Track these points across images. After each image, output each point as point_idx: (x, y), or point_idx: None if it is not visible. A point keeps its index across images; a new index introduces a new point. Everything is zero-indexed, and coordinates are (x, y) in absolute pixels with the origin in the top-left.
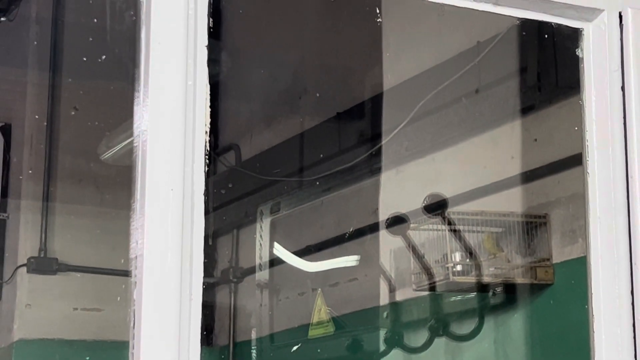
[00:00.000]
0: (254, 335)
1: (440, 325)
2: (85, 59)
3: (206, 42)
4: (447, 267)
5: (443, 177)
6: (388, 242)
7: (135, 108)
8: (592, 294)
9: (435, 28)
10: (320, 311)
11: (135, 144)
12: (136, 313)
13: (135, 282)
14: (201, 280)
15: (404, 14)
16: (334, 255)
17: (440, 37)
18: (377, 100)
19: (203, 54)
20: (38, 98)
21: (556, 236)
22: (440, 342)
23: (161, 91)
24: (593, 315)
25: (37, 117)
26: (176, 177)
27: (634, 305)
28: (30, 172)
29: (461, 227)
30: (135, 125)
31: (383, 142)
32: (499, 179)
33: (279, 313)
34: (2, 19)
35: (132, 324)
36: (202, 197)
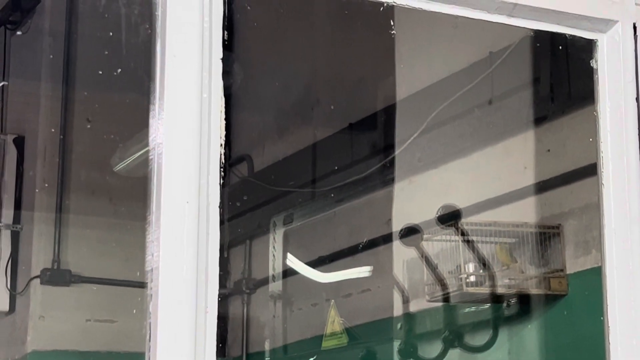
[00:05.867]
0: (267, 347)
1: (454, 337)
2: (100, 72)
3: (221, 55)
4: (461, 278)
5: (456, 187)
6: (401, 253)
7: (151, 121)
8: (607, 305)
9: (448, 39)
10: (334, 322)
11: (150, 157)
12: (152, 325)
13: (151, 295)
14: (216, 292)
15: (417, 25)
16: (347, 266)
17: (453, 48)
18: (389, 111)
19: (218, 67)
20: (51, 110)
21: (570, 247)
22: (454, 353)
23: (176, 104)
24: (609, 326)
25: (52, 130)
26: (191, 189)
27: None
28: (43, 184)
29: (474, 238)
30: (150, 138)
31: (396, 152)
32: (512, 190)
33: (292, 324)
34: (18, 32)
35: (147, 336)
36: (218, 210)
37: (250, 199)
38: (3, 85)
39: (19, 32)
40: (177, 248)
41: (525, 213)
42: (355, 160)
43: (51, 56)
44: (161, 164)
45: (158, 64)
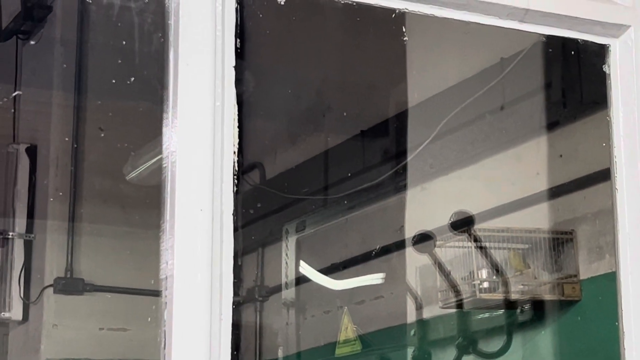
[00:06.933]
0: (280, 354)
1: (468, 343)
2: (113, 81)
3: (233, 63)
4: (474, 284)
5: (468, 193)
6: (414, 260)
7: (164, 129)
8: (622, 310)
9: (460, 45)
10: (347, 329)
11: (164, 165)
12: (167, 333)
13: (166, 303)
14: (231, 300)
15: (428, 32)
16: (359, 273)
17: (465, 54)
18: (401, 118)
19: (231, 75)
20: (63, 119)
21: (583, 252)
22: (468, 359)
23: (190, 112)
24: (624, 332)
25: (66, 139)
26: (205, 197)
27: None
28: (56, 193)
29: (487, 244)
30: (164, 147)
31: (408, 159)
32: (524, 195)
33: (305, 331)
34: (31, 42)
35: (162, 345)
36: (231, 217)
37: (262, 207)
38: (16, 95)
39: (31, 42)
40: (191, 256)
41: (538, 219)
42: (368, 167)
43: (64, 65)
44: (175, 172)
45: (171, 73)
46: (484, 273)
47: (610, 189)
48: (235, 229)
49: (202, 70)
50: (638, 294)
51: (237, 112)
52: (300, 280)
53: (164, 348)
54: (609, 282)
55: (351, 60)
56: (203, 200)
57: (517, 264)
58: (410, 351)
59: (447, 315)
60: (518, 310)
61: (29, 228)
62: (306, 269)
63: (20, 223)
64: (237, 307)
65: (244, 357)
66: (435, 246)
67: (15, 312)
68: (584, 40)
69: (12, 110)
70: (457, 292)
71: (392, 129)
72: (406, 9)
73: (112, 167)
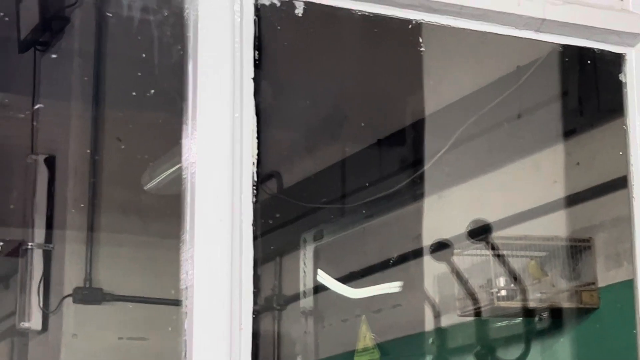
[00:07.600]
0: None
1: (486, 351)
2: (132, 92)
3: (252, 75)
4: (492, 292)
5: (486, 202)
6: (432, 268)
7: (184, 141)
8: (639, 318)
9: (476, 53)
10: (365, 338)
11: (184, 176)
12: (187, 343)
13: (186, 312)
14: (251, 309)
15: (445, 41)
16: (377, 281)
17: (481, 63)
18: (418, 126)
19: (249, 86)
20: (82, 130)
21: (601, 260)
22: None
23: (209, 124)
24: None
25: (88, 151)
26: (225, 207)
27: None
28: (75, 202)
29: (505, 252)
30: (183, 158)
31: (425, 167)
32: (542, 203)
33: (323, 340)
34: (53, 55)
35: (183, 354)
36: (251, 227)
37: (280, 216)
38: (36, 107)
39: (50, 54)
40: (211, 266)
41: (556, 226)
42: (385, 175)
43: (85, 78)
44: (194, 183)
45: (190, 84)
46: (502, 281)
47: (627, 197)
48: (255, 239)
49: (221, 81)
50: None
51: (256, 123)
52: (318, 288)
53: (185, 356)
54: (627, 290)
55: (368, 70)
56: (222, 211)
57: (535, 271)
58: (428, 359)
59: (465, 324)
60: (536, 318)
61: (48, 238)
62: (324, 278)
63: (39, 233)
64: (255, 316)
65: None
66: (452, 254)
67: (35, 322)
68: (600, 49)
69: (31, 121)
70: (475, 300)
71: (409, 137)
72: (423, 19)
73: (131, 177)
